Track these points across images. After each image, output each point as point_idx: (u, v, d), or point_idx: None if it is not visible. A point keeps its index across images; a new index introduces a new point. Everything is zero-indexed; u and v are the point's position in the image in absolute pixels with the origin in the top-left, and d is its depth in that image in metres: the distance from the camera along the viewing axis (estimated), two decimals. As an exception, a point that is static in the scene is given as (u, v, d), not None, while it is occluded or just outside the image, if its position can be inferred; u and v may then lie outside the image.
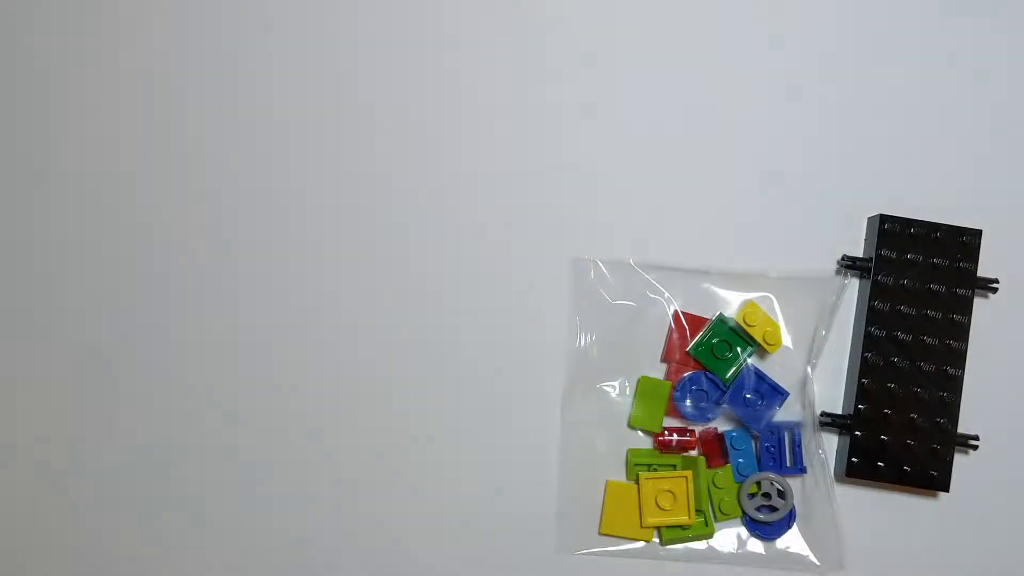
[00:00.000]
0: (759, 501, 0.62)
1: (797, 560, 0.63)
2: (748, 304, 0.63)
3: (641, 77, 0.65)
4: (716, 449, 0.62)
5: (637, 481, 0.61)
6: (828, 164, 0.65)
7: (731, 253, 0.64)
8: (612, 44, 0.65)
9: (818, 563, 0.63)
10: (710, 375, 0.63)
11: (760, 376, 0.62)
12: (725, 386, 0.62)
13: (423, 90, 0.64)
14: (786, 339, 0.63)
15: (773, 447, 0.62)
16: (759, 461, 0.62)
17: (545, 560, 0.62)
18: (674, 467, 0.62)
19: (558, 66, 0.65)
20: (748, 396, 0.62)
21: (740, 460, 0.62)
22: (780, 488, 0.61)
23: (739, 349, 0.62)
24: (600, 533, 0.62)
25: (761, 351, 0.63)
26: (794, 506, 0.62)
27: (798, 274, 0.64)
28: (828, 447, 0.63)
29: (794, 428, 0.62)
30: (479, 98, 0.64)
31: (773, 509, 0.62)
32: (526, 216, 0.64)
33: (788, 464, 0.62)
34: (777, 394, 0.62)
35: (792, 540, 0.63)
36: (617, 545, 0.62)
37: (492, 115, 0.64)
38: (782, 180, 0.65)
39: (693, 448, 0.63)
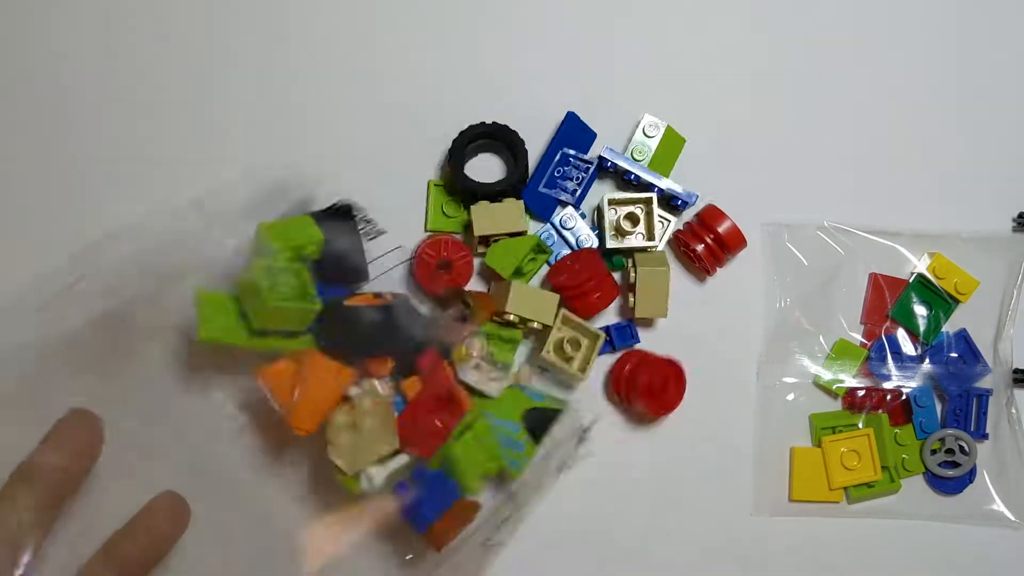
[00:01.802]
0: (941, 457, 0.64)
1: (991, 515, 0.65)
2: (936, 257, 0.66)
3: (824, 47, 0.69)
4: (899, 407, 0.65)
5: (821, 445, 0.66)
6: (992, 122, 0.68)
7: (903, 214, 0.67)
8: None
9: (1013, 518, 0.64)
10: (908, 336, 0.65)
11: (967, 340, 0.65)
12: (925, 347, 0.65)
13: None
14: (976, 298, 0.65)
15: (960, 410, 0.65)
16: (944, 421, 0.65)
17: (743, 522, 0.66)
18: (857, 427, 0.66)
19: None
20: (951, 356, 0.65)
21: (922, 418, 0.65)
22: (963, 444, 0.64)
23: (940, 311, 0.65)
24: (791, 500, 0.66)
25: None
26: (976, 463, 0.64)
27: (990, 234, 0.66)
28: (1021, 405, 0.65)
29: (984, 394, 0.65)
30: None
31: (956, 465, 0.64)
32: (716, 181, 0.66)
33: (972, 428, 0.65)
34: (977, 360, 0.64)
35: (984, 495, 0.65)
36: (809, 508, 0.66)
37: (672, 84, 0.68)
38: (948, 140, 0.68)
39: (883, 407, 0.65)
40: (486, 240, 0.64)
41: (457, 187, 0.64)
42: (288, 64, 0.67)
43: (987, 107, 0.68)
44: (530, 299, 0.62)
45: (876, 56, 0.68)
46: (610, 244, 0.64)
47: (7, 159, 0.65)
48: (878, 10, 0.68)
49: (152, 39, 0.67)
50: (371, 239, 0.62)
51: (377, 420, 0.55)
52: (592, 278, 0.62)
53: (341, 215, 0.60)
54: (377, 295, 0.59)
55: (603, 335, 0.63)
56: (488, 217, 0.63)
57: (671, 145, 0.66)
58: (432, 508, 0.55)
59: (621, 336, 0.65)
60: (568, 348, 0.63)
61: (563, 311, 0.63)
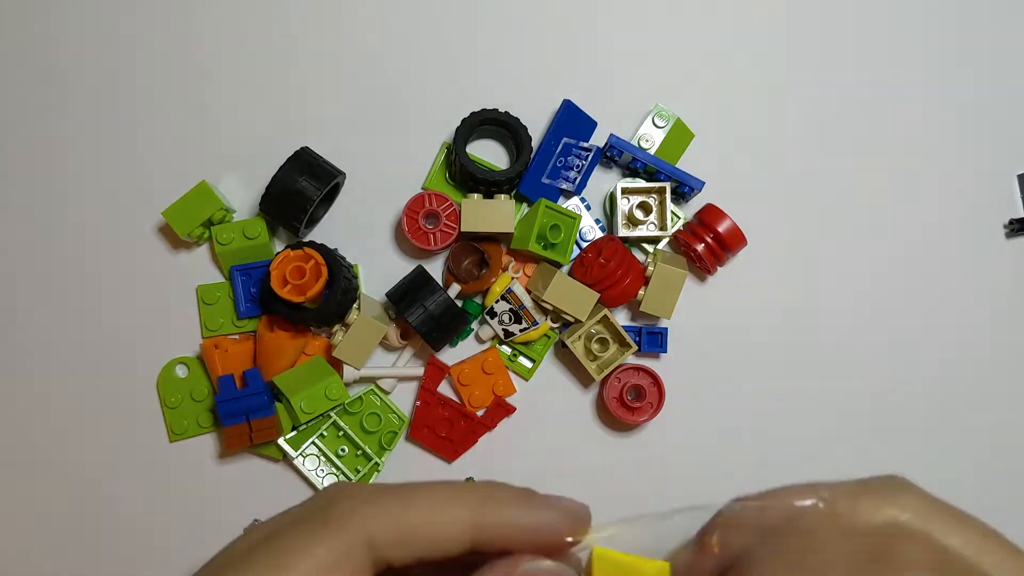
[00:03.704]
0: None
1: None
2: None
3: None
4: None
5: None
6: (988, 130, 0.68)
7: (900, 217, 0.67)
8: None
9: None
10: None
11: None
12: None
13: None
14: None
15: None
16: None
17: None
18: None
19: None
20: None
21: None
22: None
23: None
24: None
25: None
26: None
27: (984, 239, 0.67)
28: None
29: None
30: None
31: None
32: (717, 181, 0.65)
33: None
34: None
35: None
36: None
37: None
38: (946, 146, 0.68)
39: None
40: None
41: (456, 170, 0.63)
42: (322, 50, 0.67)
43: (983, 116, 0.69)
44: (569, 291, 0.61)
45: (877, 65, 0.69)
46: (621, 233, 0.63)
47: None
48: (882, 20, 0.69)
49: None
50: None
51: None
52: (620, 266, 0.61)
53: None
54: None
55: (634, 346, 0.62)
56: (478, 214, 0.62)
57: (678, 139, 0.66)
58: (243, 411, 0.60)
59: (651, 342, 0.64)
60: (596, 346, 0.62)
61: (607, 312, 0.62)
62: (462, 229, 0.62)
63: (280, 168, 0.60)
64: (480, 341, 0.64)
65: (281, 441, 0.62)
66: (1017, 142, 0.68)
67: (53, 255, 0.65)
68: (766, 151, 0.68)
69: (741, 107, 0.68)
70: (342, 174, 0.63)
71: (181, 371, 0.64)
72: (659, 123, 0.66)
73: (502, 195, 0.63)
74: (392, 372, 0.64)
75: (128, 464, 0.64)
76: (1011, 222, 0.67)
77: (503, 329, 0.62)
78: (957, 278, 0.67)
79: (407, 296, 0.60)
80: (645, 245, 0.66)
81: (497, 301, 0.62)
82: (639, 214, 0.63)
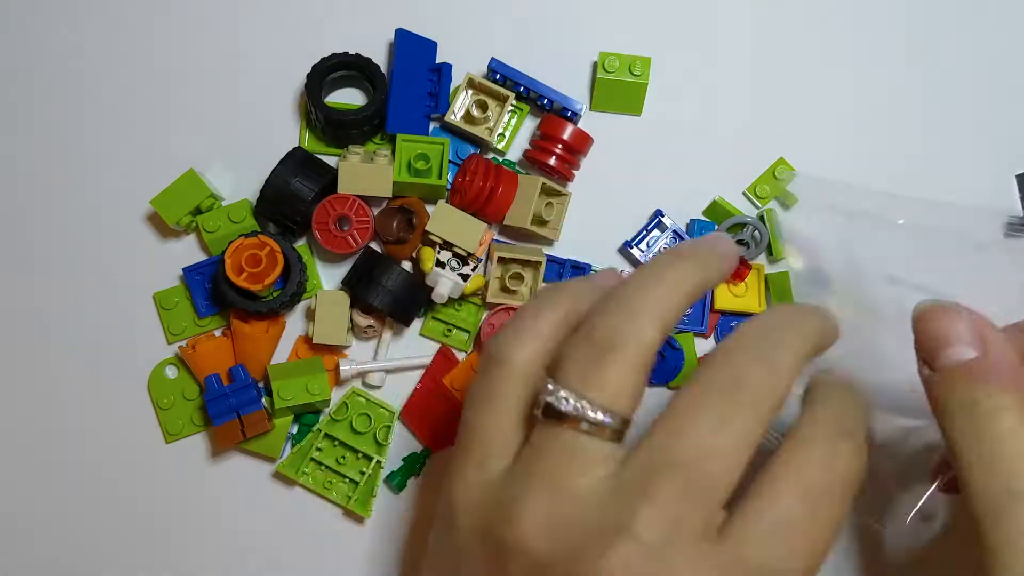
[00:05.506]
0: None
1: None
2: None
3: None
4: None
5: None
6: (983, 127, 0.68)
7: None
8: None
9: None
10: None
11: None
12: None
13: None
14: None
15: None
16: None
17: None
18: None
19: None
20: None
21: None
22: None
23: None
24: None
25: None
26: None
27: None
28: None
29: None
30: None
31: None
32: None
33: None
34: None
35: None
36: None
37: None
38: (938, 145, 0.68)
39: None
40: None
41: (320, 123, 0.63)
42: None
43: (983, 116, 0.69)
44: (454, 222, 0.61)
45: (876, 64, 0.69)
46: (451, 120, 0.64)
47: None
48: (882, 20, 0.69)
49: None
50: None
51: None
52: (486, 178, 0.61)
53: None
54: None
55: (543, 257, 0.62)
56: (356, 178, 0.61)
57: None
58: (232, 408, 0.60)
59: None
60: (511, 284, 0.62)
61: (498, 254, 0.62)
62: (339, 191, 0.62)
63: (273, 171, 0.61)
64: (441, 300, 0.63)
65: (277, 468, 0.63)
66: (1017, 142, 0.69)
67: (38, 249, 0.66)
68: (767, 153, 0.68)
69: (737, 104, 0.69)
70: (334, 171, 0.64)
71: (171, 372, 0.65)
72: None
73: (383, 158, 0.63)
74: (393, 364, 0.64)
75: (128, 466, 0.66)
76: (1010, 221, 0.66)
77: (459, 275, 0.62)
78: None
79: (363, 279, 0.61)
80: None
81: (439, 251, 0.62)
82: (476, 112, 0.64)
